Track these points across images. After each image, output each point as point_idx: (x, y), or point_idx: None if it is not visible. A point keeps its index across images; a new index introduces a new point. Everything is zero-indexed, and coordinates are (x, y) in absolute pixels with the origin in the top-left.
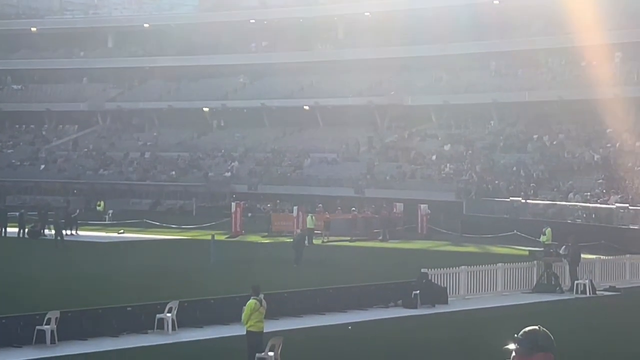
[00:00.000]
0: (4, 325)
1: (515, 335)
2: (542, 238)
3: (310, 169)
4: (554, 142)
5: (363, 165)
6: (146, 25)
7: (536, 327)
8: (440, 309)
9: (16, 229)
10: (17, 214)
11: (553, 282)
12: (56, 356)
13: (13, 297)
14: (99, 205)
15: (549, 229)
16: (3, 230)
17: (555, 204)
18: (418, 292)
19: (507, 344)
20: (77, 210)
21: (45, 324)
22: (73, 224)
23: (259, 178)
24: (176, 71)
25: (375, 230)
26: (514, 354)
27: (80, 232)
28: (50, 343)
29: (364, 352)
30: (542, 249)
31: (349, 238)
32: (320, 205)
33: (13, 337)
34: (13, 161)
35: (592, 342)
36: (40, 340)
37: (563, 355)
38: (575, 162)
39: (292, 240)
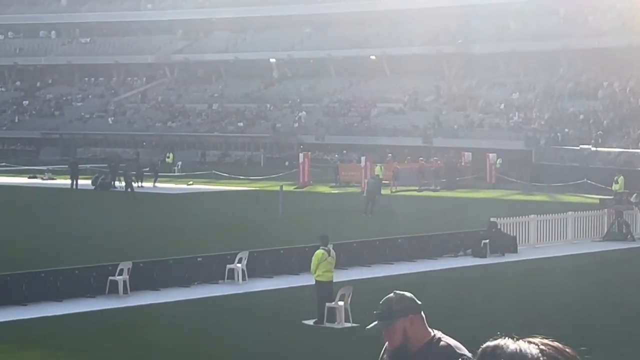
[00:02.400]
0: (78, 276)
1: (374, 311)
2: (615, 186)
3: (377, 119)
4: (625, 89)
5: (430, 114)
6: None
7: (390, 295)
8: (509, 257)
9: (88, 182)
10: (95, 176)
11: (624, 231)
12: (129, 306)
13: (86, 248)
14: (168, 157)
15: (621, 176)
16: (75, 182)
17: (626, 151)
18: (487, 241)
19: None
20: (159, 162)
21: (118, 275)
22: (144, 176)
23: (326, 128)
24: (242, 22)
25: (443, 180)
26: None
27: (150, 184)
28: (123, 293)
29: (433, 301)
30: (612, 197)
31: (416, 188)
32: (390, 155)
33: (87, 288)
34: (83, 114)
35: None
36: (113, 290)
37: (637, 302)
38: None
39: (363, 189)
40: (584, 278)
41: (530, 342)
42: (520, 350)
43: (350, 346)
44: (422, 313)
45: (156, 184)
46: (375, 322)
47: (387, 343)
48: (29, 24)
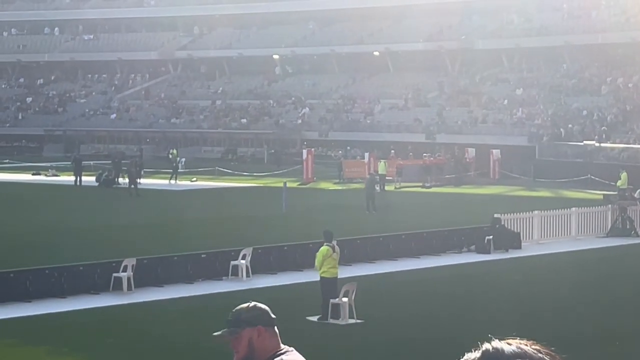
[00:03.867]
0: (82, 272)
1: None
2: (618, 182)
3: (381, 115)
4: (628, 85)
5: (433, 110)
6: None
7: (245, 304)
8: (513, 253)
9: (92, 178)
10: (99, 172)
11: (628, 226)
12: (133, 303)
13: (89, 244)
14: (172, 154)
15: (624, 172)
16: (78, 178)
17: (630, 147)
18: (491, 237)
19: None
20: (183, 160)
21: (122, 271)
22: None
23: (330, 125)
24: (245, 18)
25: (448, 176)
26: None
27: (154, 181)
28: (127, 290)
29: (437, 297)
30: (616, 192)
31: (420, 184)
32: (393, 151)
33: (91, 284)
34: (86, 110)
35: None
36: (117, 287)
37: None
38: None
39: (364, 185)
40: (588, 274)
41: (524, 344)
42: (523, 351)
43: (354, 342)
44: (276, 328)
45: (177, 181)
46: (224, 330)
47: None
48: (32, 20)
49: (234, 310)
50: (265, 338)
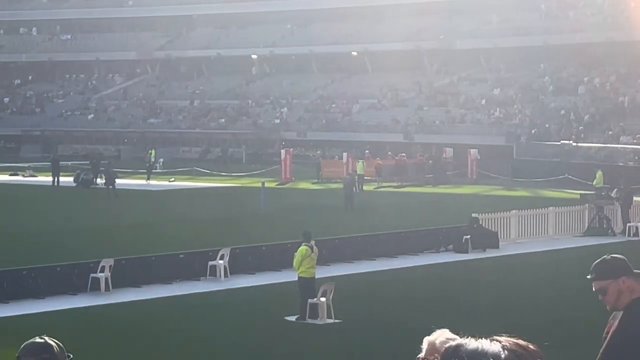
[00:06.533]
0: (60, 273)
1: None
2: (594, 181)
3: (359, 115)
4: (605, 85)
5: (412, 110)
6: None
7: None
8: (491, 253)
9: (70, 179)
10: (77, 172)
11: (605, 226)
12: (111, 303)
13: (67, 245)
14: (150, 154)
15: (599, 172)
16: (56, 179)
17: (607, 146)
18: (469, 236)
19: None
20: (161, 160)
21: (100, 272)
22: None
23: (308, 125)
24: (223, 19)
25: (426, 176)
26: None
27: (132, 181)
28: (105, 290)
29: (415, 297)
30: (594, 192)
31: (396, 184)
32: (367, 151)
33: (68, 285)
34: (64, 111)
35: None
36: (94, 287)
37: None
38: (627, 105)
39: (342, 185)
40: (565, 273)
41: (492, 340)
42: (482, 347)
43: (332, 342)
44: None
45: (150, 180)
46: None
47: None
48: (9, 20)
49: None
50: None
